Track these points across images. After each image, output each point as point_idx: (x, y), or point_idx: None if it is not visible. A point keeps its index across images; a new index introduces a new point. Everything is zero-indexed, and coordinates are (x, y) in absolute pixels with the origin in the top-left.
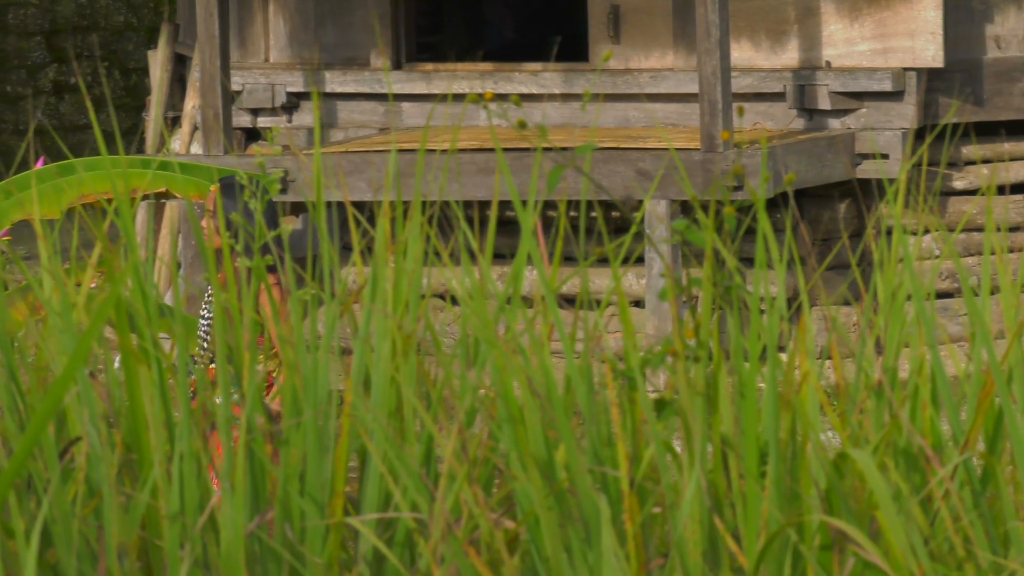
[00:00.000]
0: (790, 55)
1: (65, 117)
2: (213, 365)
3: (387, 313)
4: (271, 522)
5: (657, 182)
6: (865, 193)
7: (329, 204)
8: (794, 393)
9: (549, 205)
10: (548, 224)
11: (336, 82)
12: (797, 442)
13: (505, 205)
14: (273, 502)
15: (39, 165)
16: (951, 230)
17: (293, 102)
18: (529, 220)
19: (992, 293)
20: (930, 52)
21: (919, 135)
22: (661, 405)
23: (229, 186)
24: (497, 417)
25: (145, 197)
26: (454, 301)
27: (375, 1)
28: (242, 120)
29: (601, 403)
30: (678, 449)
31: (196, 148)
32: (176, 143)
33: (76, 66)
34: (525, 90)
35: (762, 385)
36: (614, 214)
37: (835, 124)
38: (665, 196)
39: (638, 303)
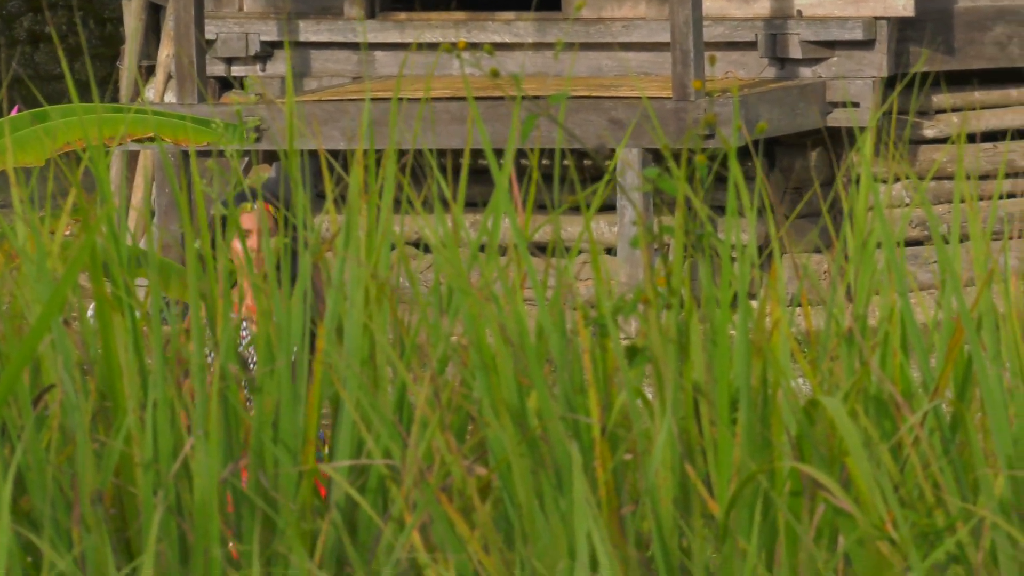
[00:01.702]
0: (762, 4)
1: (40, 66)
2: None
3: (360, 261)
4: (244, 469)
5: (630, 131)
6: (836, 142)
7: (303, 153)
8: (765, 340)
9: (522, 153)
10: (521, 173)
11: (310, 31)
12: (768, 389)
13: (478, 153)
14: (247, 449)
15: (14, 113)
16: (921, 178)
17: (267, 51)
18: (504, 171)
19: (962, 241)
20: (901, 1)
21: (890, 84)
22: (633, 352)
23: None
24: (470, 365)
25: (138, 141)
26: (427, 249)
27: None
28: (216, 69)
29: (573, 350)
30: (650, 396)
31: (170, 96)
32: (150, 92)
33: (49, 15)
34: (498, 39)
35: (733, 332)
36: (586, 162)
37: (806, 73)
38: (637, 144)
39: (610, 251)
